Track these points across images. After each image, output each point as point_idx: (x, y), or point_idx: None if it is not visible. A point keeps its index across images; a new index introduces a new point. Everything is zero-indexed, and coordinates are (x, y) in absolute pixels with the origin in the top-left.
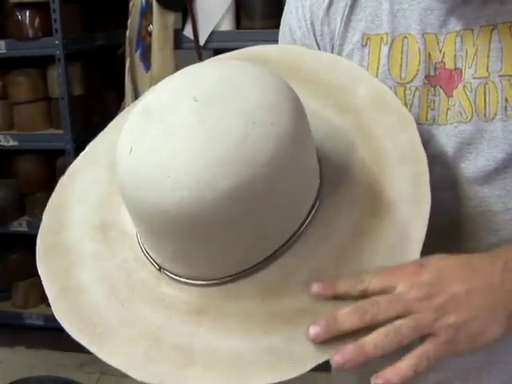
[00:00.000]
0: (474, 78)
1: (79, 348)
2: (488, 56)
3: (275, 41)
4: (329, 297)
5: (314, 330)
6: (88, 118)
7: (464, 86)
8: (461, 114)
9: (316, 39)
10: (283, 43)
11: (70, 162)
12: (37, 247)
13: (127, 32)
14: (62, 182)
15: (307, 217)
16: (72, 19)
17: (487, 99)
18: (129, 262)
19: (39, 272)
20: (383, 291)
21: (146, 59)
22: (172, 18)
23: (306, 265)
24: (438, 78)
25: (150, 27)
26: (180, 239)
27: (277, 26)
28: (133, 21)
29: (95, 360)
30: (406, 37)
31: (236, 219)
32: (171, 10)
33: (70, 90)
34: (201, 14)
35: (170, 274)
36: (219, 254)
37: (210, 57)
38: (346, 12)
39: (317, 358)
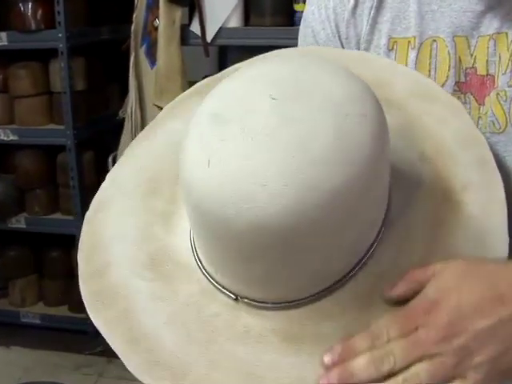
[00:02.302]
0: (509, 86)
1: (76, 349)
2: None
3: (284, 38)
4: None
5: (326, 382)
6: (90, 114)
7: (497, 94)
8: (493, 123)
9: (341, 42)
10: (304, 45)
11: (71, 159)
12: (82, 295)
13: (132, 26)
14: (88, 219)
15: (385, 217)
16: (76, 12)
17: None
18: (195, 296)
19: (95, 324)
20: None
21: (152, 55)
22: (179, 13)
23: (393, 269)
24: (469, 85)
25: (157, 22)
26: (276, 256)
27: (286, 23)
28: (138, 15)
29: (93, 362)
30: (434, 40)
31: (338, 224)
32: (178, 5)
33: (72, 85)
34: (208, 10)
35: (250, 301)
36: (318, 266)
37: (216, 53)
38: (371, 13)
39: None
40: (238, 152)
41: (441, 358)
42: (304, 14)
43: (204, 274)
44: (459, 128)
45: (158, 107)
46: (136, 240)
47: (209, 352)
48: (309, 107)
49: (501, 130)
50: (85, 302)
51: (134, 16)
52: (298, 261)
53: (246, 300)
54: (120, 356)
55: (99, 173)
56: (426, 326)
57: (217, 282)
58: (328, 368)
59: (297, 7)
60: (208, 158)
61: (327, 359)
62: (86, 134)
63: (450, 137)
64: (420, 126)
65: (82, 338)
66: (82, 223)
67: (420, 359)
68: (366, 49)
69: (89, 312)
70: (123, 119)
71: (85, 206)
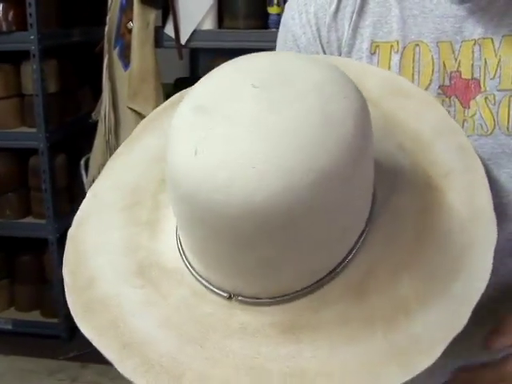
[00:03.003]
0: (498, 91)
1: (50, 354)
2: None
3: (258, 41)
4: None
5: None
6: (62, 117)
7: (486, 98)
8: (481, 126)
9: (322, 46)
10: (284, 50)
11: (43, 162)
12: (70, 308)
13: (106, 28)
14: (71, 234)
15: (372, 205)
16: (48, 14)
17: (511, 112)
18: (186, 299)
19: (85, 334)
20: None
21: (125, 57)
22: (153, 15)
23: (384, 257)
24: (454, 88)
25: (130, 24)
26: (269, 242)
27: (260, 26)
28: (112, 17)
29: (66, 367)
30: (417, 45)
31: (330, 207)
32: (152, 7)
33: (44, 87)
34: (182, 12)
35: (244, 299)
36: (312, 253)
37: (189, 56)
38: (353, 18)
39: (445, 339)
40: (224, 138)
41: None
42: (283, 19)
43: (194, 276)
44: (435, 119)
45: (132, 110)
46: (121, 251)
47: (204, 350)
48: (292, 92)
49: (488, 133)
50: (73, 313)
51: (108, 18)
52: (293, 247)
53: (239, 298)
54: (113, 362)
55: (71, 176)
56: None
57: (208, 282)
58: None
59: (270, 10)
60: (195, 147)
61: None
62: (58, 136)
63: (427, 128)
64: (396, 121)
65: (55, 343)
66: (54, 227)
67: None
68: (348, 53)
69: (78, 322)
70: (95, 122)
71: (57, 210)
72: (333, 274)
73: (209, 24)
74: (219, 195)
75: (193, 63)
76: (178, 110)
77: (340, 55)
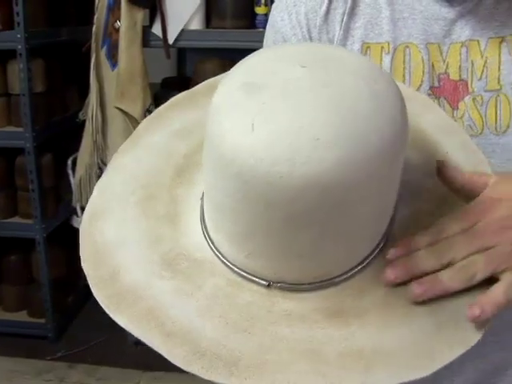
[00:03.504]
0: (485, 91)
1: (37, 355)
2: (499, 69)
3: (245, 41)
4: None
5: (392, 272)
6: (49, 116)
7: (474, 99)
8: (471, 127)
9: None
10: None
11: (30, 161)
12: (98, 300)
13: (93, 28)
14: (84, 230)
15: None
16: (35, 13)
17: (499, 112)
18: (222, 288)
19: (121, 325)
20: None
21: (112, 56)
22: (141, 15)
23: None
24: (442, 90)
25: (118, 24)
26: (326, 219)
27: (247, 26)
28: (99, 17)
29: (53, 367)
30: (407, 46)
31: (384, 180)
32: (140, 7)
33: (31, 87)
34: (170, 12)
35: (284, 285)
36: (358, 232)
37: (177, 55)
38: (344, 19)
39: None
40: (282, 111)
41: (498, 248)
42: (270, 20)
43: (227, 265)
44: (436, 119)
45: (119, 109)
46: (143, 243)
47: (254, 336)
48: (338, 73)
49: (478, 133)
50: (102, 304)
51: (95, 17)
52: (346, 224)
53: (279, 285)
54: (160, 351)
55: (58, 176)
56: (485, 220)
57: (244, 272)
58: (391, 261)
59: (258, 10)
60: (251, 122)
61: (391, 253)
62: (45, 136)
63: (430, 127)
64: None
65: (42, 344)
66: (41, 227)
67: (478, 251)
68: None
69: (111, 314)
70: (82, 121)
71: (44, 210)
72: (369, 259)
73: (196, 24)
74: (281, 167)
75: (180, 63)
76: (221, 91)
77: None
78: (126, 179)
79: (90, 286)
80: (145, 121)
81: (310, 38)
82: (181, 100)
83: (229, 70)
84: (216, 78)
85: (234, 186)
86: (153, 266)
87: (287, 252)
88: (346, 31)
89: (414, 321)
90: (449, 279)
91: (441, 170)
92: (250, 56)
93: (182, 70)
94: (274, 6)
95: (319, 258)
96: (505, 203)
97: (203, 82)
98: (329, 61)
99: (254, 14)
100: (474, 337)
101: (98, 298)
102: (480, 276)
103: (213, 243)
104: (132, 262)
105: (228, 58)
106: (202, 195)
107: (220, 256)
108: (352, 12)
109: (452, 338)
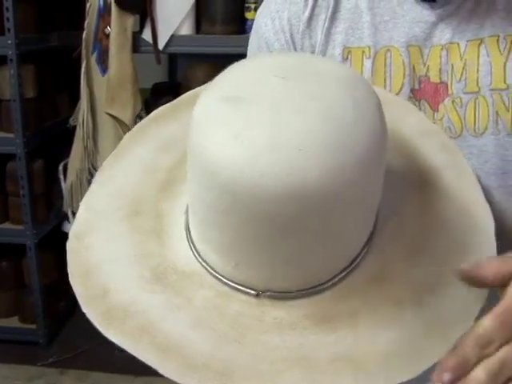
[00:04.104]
0: (464, 93)
1: (28, 360)
2: (477, 71)
3: (235, 46)
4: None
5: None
6: (40, 122)
7: (453, 101)
8: (450, 129)
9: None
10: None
11: (21, 167)
12: (90, 317)
13: (84, 34)
14: (72, 247)
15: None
16: (25, 18)
17: (477, 114)
18: (211, 300)
19: (115, 342)
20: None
21: (103, 62)
22: (131, 21)
23: (393, 244)
24: (423, 92)
25: (108, 29)
26: (312, 226)
27: (237, 31)
28: (90, 22)
29: (45, 373)
30: (388, 49)
31: (367, 188)
32: (130, 12)
33: (21, 92)
34: (160, 18)
35: (273, 294)
36: (343, 239)
37: (167, 61)
38: (326, 24)
39: (474, 311)
40: (263, 123)
41: None
42: (255, 26)
43: (216, 277)
44: (416, 123)
45: (110, 115)
46: (132, 259)
47: (246, 347)
48: (320, 83)
49: (457, 135)
50: (94, 322)
51: (86, 23)
52: (331, 232)
53: (268, 293)
54: (154, 366)
55: (50, 182)
56: None
57: (233, 282)
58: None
59: (248, 15)
60: (234, 133)
61: (445, 378)
62: (36, 142)
63: (411, 131)
64: None
65: (34, 349)
66: (32, 232)
67: None
68: None
69: (103, 331)
70: (73, 127)
71: (35, 215)
72: (354, 264)
73: (186, 29)
74: (265, 179)
75: (171, 68)
76: (203, 102)
77: None
78: (112, 195)
79: (81, 304)
80: (128, 135)
81: (293, 44)
82: (164, 113)
83: (218, 74)
84: (201, 88)
85: (219, 198)
86: (142, 281)
87: (274, 261)
88: (328, 36)
89: (403, 323)
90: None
91: (467, 276)
92: (231, 67)
93: (173, 76)
94: (258, 11)
95: (306, 265)
96: None
97: (187, 93)
98: (309, 71)
99: (244, 20)
100: (459, 332)
101: (89, 316)
102: None
103: (200, 255)
104: (121, 279)
105: (219, 62)
106: (187, 208)
107: (208, 268)
108: (333, 17)
109: (439, 335)
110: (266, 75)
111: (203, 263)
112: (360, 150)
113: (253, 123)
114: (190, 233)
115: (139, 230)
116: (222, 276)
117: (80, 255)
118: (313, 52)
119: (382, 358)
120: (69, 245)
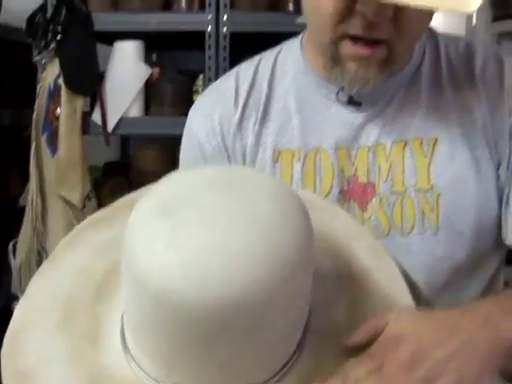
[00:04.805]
0: (391, 193)
1: None
2: (403, 172)
3: (183, 127)
4: None
5: None
6: None
7: (380, 201)
8: (378, 228)
9: (228, 154)
10: (190, 157)
11: None
12: None
13: (34, 115)
14: (6, 351)
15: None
16: None
17: (404, 214)
18: None
19: None
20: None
21: (53, 143)
22: (81, 102)
23: (329, 337)
24: (352, 192)
25: (58, 111)
26: (240, 333)
27: (185, 112)
28: (40, 103)
29: None
30: (318, 151)
31: (294, 293)
32: (81, 95)
33: None
34: (110, 100)
35: None
36: (273, 346)
37: (119, 139)
38: (256, 127)
39: None
40: (193, 234)
41: None
42: (188, 123)
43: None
44: (343, 225)
45: (60, 197)
46: (67, 364)
47: None
48: (248, 194)
49: (385, 234)
50: None
51: (36, 104)
52: (264, 336)
53: None
54: None
55: None
56: (390, 361)
57: None
58: None
59: (196, 97)
60: (163, 244)
61: None
62: None
63: (338, 233)
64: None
65: None
66: None
67: None
68: (252, 162)
69: None
70: (24, 206)
71: None
72: (287, 367)
73: (136, 111)
74: (194, 290)
75: (123, 146)
76: (136, 213)
77: (244, 163)
78: (48, 297)
79: None
80: (63, 240)
81: (224, 146)
82: (100, 217)
83: (168, 155)
84: (139, 191)
85: (150, 307)
86: None
87: (207, 365)
88: (258, 138)
89: None
90: None
91: (352, 345)
92: (164, 179)
93: (126, 154)
94: (192, 108)
95: (239, 369)
96: (405, 341)
97: (123, 197)
98: (238, 182)
99: (192, 102)
100: None
101: None
102: None
103: (134, 360)
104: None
105: (169, 142)
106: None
107: (142, 373)
108: (263, 120)
109: None
110: (197, 187)
111: (137, 369)
112: (286, 256)
113: (181, 234)
114: (125, 337)
115: (74, 333)
116: (157, 381)
117: (13, 360)
118: (244, 154)
119: None
120: (3, 350)
